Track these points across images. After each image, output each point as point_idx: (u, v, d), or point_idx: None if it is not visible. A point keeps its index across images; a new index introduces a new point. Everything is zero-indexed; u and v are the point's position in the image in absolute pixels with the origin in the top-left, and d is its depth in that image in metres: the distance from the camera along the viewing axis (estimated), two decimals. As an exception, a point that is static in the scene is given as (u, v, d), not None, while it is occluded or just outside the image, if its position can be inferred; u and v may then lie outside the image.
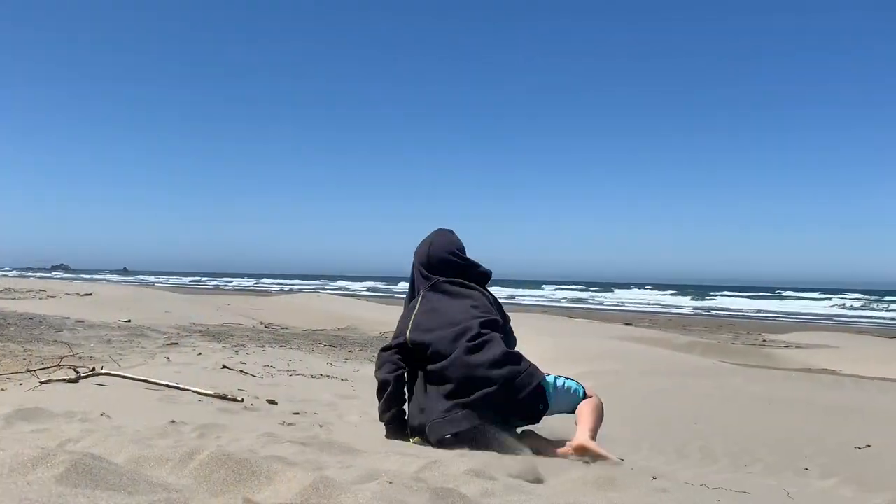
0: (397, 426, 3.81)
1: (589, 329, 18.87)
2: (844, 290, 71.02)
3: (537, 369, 3.62)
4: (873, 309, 46.88)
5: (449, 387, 3.52)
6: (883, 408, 7.29)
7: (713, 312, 42.48)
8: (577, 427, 3.52)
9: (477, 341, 3.57)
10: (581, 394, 3.70)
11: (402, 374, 3.83)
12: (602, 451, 3.37)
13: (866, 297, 59.39)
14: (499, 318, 3.86)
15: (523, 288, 77.95)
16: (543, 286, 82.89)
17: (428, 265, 4.10)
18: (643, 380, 8.70)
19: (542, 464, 3.23)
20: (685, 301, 57.64)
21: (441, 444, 3.47)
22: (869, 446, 4.65)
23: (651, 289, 77.64)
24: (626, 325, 23.18)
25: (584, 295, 65.99)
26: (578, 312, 33.68)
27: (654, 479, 3.24)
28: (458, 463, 2.93)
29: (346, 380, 7.17)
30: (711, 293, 66.90)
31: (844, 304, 51.22)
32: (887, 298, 55.14)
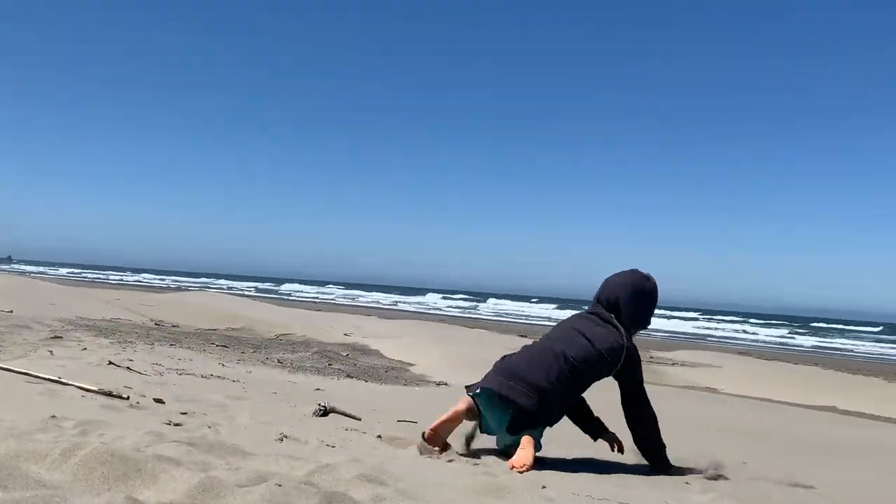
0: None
1: (485, 339, 19.06)
2: (721, 311, 74.57)
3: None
4: (747, 332, 49.04)
5: None
6: (760, 425, 7.62)
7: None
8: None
9: None
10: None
11: None
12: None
13: (745, 319, 62.46)
14: None
15: (408, 295, 78.49)
16: (427, 294, 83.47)
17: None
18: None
19: (434, 471, 3.24)
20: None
21: None
22: (745, 463, 4.84)
23: (537, 301, 79.27)
24: (521, 336, 23.50)
25: (467, 304, 66.88)
26: (473, 322, 33.97)
27: (544, 487, 3.29)
28: (350, 468, 2.91)
29: (238, 381, 7.02)
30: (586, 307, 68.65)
31: (725, 327, 53.32)
32: (773, 322, 58.13)
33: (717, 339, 39.13)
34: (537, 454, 3.84)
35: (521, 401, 3.89)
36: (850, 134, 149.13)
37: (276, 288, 79.09)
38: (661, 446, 4.17)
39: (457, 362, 12.18)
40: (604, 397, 4.41)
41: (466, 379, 9.26)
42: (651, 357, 19.38)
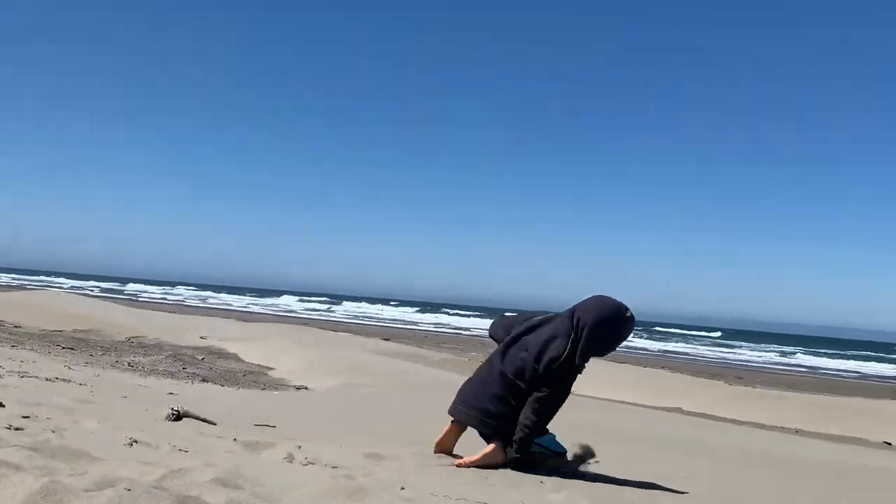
0: None
1: (347, 342, 18.95)
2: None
3: None
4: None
5: None
6: (612, 426, 7.90)
7: (473, 332, 44.44)
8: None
9: None
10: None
11: None
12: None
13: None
14: None
15: (263, 297, 77.49)
16: (282, 295, 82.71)
17: None
18: (394, 393, 8.86)
19: (291, 474, 3.19)
20: (441, 318, 59.85)
21: None
22: (598, 462, 5.01)
23: (397, 304, 79.87)
24: (385, 339, 23.53)
25: (323, 307, 66.70)
26: (335, 325, 33.73)
27: (403, 489, 3.30)
28: (203, 472, 2.82)
29: (86, 384, 6.69)
30: (448, 311, 70.63)
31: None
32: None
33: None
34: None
35: (480, 428, 4.34)
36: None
37: (122, 287, 76.07)
38: (529, 439, 4.29)
39: (318, 366, 12.05)
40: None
41: (328, 382, 9.18)
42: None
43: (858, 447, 9.29)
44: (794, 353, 47.74)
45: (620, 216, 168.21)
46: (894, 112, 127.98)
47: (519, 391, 4.28)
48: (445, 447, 4.46)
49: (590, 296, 4.45)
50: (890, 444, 10.58)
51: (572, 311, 4.40)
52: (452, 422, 4.46)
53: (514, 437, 4.29)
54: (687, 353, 41.54)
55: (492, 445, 4.25)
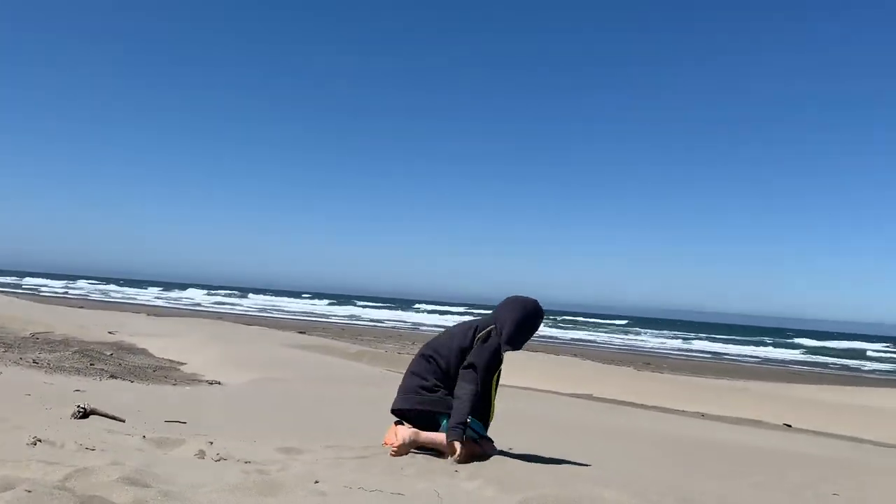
0: None
1: (262, 336, 18.71)
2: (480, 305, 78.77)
3: None
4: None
5: None
6: (526, 412, 8.04)
7: (388, 324, 44.45)
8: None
9: None
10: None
11: None
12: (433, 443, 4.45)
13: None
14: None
15: (169, 290, 76.11)
16: (188, 288, 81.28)
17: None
18: (310, 386, 8.81)
19: (203, 471, 3.15)
20: (354, 311, 59.72)
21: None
22: (511, 449, 5.10)
23: (310, 297, 79.38)
24: (300, 332, 23.32)
25: (231, 300, 65.97)
26: (251, 319, 33.25)
27: (317, 482, 3.29)
28: (110, 471, 2.76)
29: (-15, 383, 6.45)
30: (359, 303, 70.65)
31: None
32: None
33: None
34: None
35: (414, 407, 4.57)
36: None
37: (19, 282, 73.44)
38: (460, 422, 4.47)
39: (232, 360, 11.87)
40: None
41: (242, 377, 9.07)
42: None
43: (760, 429, 9.67)
44: (697, 340, 49.36)
45: (524, 206, 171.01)
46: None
47: (444, 371, 4.63)
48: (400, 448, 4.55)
49: (508, 297, 4.86)
50: (790, 425, 11.05)
51: (495, 310, 4.83)
52: (395, 421, 4.66)
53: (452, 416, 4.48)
54: (595, 341, 42.49)
55: (443, 436, 4.43)
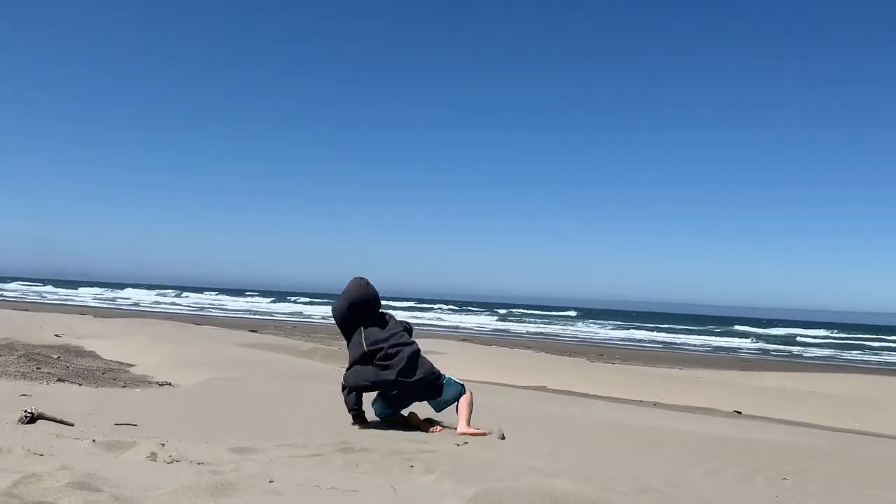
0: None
1: (213, 335, 18.50)
2: (440, 301, 79.26)
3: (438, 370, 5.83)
4: (462, 320, 52.10)
5: (394, 372, 5.57)
6: (478, 406, 8.06)
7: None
8: (458, 417, 5.71)
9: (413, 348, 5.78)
10: (461, 389, 5.85)
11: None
12: (476, 431, 5.53)
13: (463, 307, 66.88)
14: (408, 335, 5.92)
15: (108, 289, 75.26)
16: (126, 288, 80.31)
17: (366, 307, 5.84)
18: (264, 385, 8.74)
19: (155, 473, 3.10)
20: (295, 308, 59.55)
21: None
22: (466, 443, 5.12)
23: (255, 294, 78.94)
24: (252, 331, 23.12)
25: (168, 299, 65.42)
26: (203, 319, 32.87)
27: (271, 482, 3.27)
28: (60, 476, 2.71)
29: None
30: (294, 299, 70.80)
31: (445, 316, 56.05)
32: (473, 310, 62.72)
33: (439, 328, 40.93)
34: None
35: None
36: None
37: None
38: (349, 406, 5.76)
39: (183, 361, 11.70)
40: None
41: (194, 378, 8.95)
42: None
43: (712, 417, 9.84)
44: (646, 331, 50.08)
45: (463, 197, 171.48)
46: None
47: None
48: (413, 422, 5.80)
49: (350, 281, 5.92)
50: (740, 412, 11.27)
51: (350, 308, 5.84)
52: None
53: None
54: (546, 334, 42.86)
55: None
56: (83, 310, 34.10)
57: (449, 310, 64.87)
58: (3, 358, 10.69)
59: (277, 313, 52.20)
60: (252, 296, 78.70)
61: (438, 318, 52.87)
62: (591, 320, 59.25)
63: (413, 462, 4.15)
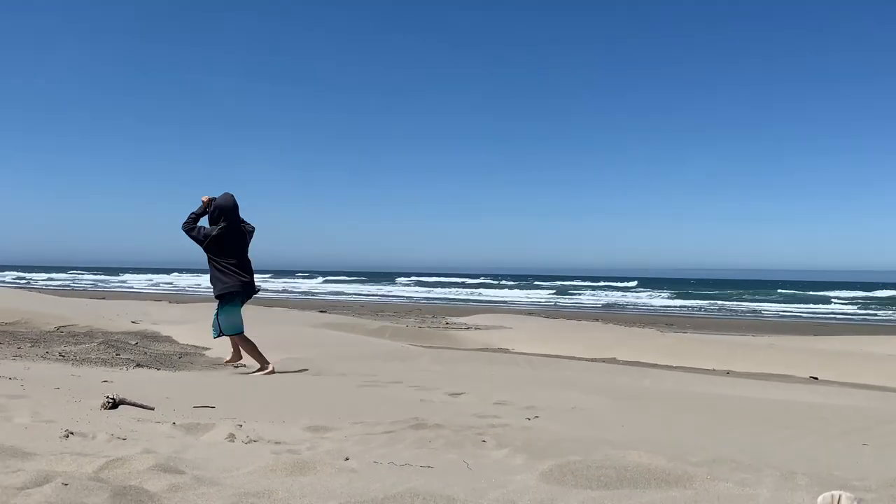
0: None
1: (282, 316, 18.81)
2: (503, 275, 79.30)
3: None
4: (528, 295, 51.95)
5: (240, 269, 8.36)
6: (548, 380, 8.06)
7: (405, 297, 44.62)
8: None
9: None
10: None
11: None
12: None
13: (524, 281, 66.88)
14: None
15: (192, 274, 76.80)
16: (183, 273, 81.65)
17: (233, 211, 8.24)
18: (335, 364, 8.86)
19: (234, 454, 3.17)
20: (373, 289, 60.04)
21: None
22: (538, 417, 5.12)
23: (306, 276, 79.96)
24: (321, 311, 23.44)
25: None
26: (275, 301, 33.46)
27: (347, 459, 3.32)
28: (143, 460, 2.80)
29: (16, 378, 6.52)
30: (397, 279, 71.12)
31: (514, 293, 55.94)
32: (547, 283, 62.54)
33: (501, 303, 40.91)
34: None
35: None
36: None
37: (27, 275, 74.49)
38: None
39: (255, 343, 11.93)
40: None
41: (267, 359, 9.10)
42: (447, 323, 19.96)
43: (786, 383, 9.65)
44: (711, 298, 49.23)
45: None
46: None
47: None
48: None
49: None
50: (816, 378, 11.02)
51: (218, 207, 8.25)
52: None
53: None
54: (611, 304, 42.50)
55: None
56: (159, 296, 35.01)
57: (512, 285, 64.79)
58: (84, 346, 11.05)
59: (342, 293, 52.77)
60: (304, 277, 79.61)
61: (499, 295, 52.70)
62: (652, 290, 58.52)
63: (485, 437, 4.16)
